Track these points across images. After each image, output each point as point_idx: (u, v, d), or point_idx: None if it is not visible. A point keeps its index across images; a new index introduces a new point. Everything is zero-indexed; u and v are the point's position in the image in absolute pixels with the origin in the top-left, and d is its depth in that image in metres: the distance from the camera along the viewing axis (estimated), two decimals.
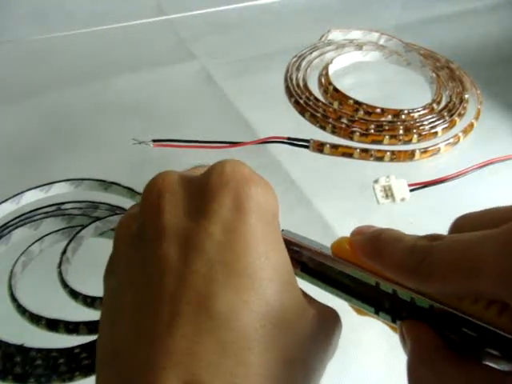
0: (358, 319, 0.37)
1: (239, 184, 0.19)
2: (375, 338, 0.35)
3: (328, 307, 0.21)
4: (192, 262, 0.17)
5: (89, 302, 0.35)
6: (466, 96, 0.59)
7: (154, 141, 0.48)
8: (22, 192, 0.44)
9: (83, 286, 0.36)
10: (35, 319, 0.34)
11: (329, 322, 0.21)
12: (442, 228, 0.45)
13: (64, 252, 0.38)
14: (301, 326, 0.18)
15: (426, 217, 0.45)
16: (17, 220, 0.42)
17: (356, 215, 0.44)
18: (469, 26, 0.76)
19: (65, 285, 0.36)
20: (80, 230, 0.40)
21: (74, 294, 0.36)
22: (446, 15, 0.78)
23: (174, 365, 0.16)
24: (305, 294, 0.21)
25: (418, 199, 0.46)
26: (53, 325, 0.34)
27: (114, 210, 0.42)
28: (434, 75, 0.62)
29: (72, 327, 0.34)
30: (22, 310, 0.35)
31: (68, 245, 0.39)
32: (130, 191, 0.44)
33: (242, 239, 0.18)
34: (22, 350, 0.32)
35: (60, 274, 0.37)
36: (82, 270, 0.38)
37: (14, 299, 0.36)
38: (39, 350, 0.32)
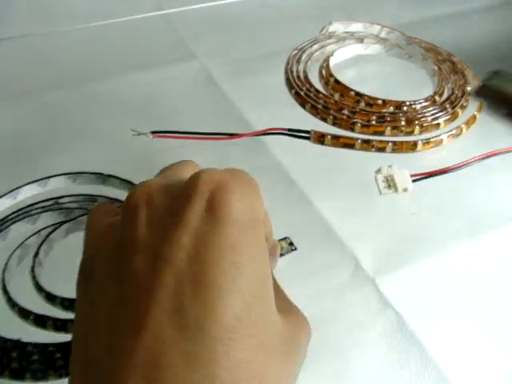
0: (357, 320, 0.37)
1: (213, 192, 0.18)
2: (375, 338, 0.34)
3: (300, 317, 0.22)
4: (161, 276, 0.17)
5: (66, 305, 0.34)
6: (469, 89, 0.58)
7: (153, 132, 0.48)
8: (19, 187, 0.44)
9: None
10: (24, 314, 0.34)
11: (298, 334, 0.21)
12: (444, 219, 0.44)
13: (36, 255, 0.38)
14: (270, 339, 0.18)
15: (428, 207, 0.44)
16: (14, 215, 0.42)
17: (358, 206, 0.44)
18: (468, 25, 0.76)
19: (39, 288, 0.35)
20: (51, 232, 0.39)
21: (50, 298, 0.35)
22: (444, 14, 0.78)
23: (139, 378, 0.16)
24: (283, 300, 0.21)
25: (421, 190, 0.45)
26: (41, 321, 0.33)
27: (113, 202, 0.42)
28: (436, 68, 0.61)
29: (60, 324, 0.33)
30: (12, 304, 0.34)
31: (40, 247, 0.38)
32: (128, 184, 0.43)
33: (212, 249, 0.17)
34: (18, 345, 0.32)
35: (34, 277, 0.36)
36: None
37: (5, 292, 0.35)
38: (36, 345, 0.32)
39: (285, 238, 0.28)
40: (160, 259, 0.18)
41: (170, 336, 0.16)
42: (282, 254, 0.29)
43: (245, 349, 0.17)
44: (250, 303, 0.17)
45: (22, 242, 0.38)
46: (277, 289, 0.21)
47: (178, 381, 0.16)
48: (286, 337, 0.19)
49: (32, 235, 0.39)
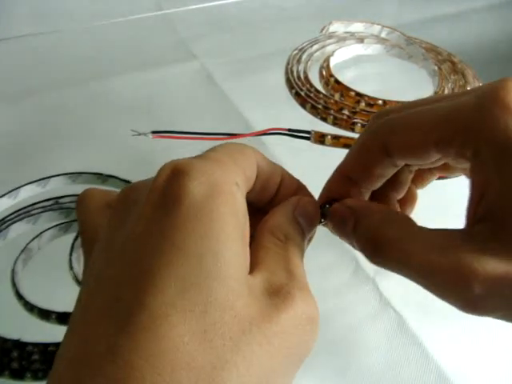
0: (357, 320, 0.37)
1: (167, 179, 0.18)
2: (375, 338, 0.34)
3: (299, 303, 0.18)
4: (110, 267, 0.18)
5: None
6: (469, 89, 0.58)
7: (153, 132, 0.48)
8: (19, 187, 0.44)
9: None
10: (45, 315, 0.34)
11: (286, 321, 0.18)
12: (444, 219, 0.44)
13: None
14: (219, 326, 0.16)
15: (428, 207, 0.44)
16: (14, 215, 0.42)
17: None
18: (467, 25, 0.76)
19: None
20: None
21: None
22: (445, 14, 0.78)
23: (68, 373, 0.16)
24: (281, 277, 0.19)
25: (420, 189, 0.45)
26: (64, 318, 0.34)
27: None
28: (436, 68, 0.61)
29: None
30: (30, 307, 0.34)
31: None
32: (128, 184, 0.43)
33: (156, 235, 0.17)
34: (18, 344, 0.32)
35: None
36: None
37: (20, 297, 0.35)
38: (36, 345, 0.32)
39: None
40: (110, 251, 0.18)
41: (103, 327, 0.16)
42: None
43: (174, 337, 0.15)
44: (187, 288, 0.16)
45: (25, 246, 0.39)
46: (274, 262, 0.20)
47: (99, 373, 0.15)
48: (257, 323, 0.17)
49: (34, 238, 0.39)
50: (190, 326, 0.16)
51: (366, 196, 0.25)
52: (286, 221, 0.21)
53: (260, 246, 0.20)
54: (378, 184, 0.24)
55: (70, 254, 0.38)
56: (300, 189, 0.24)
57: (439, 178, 0.28)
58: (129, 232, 0.18)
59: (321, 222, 0.24)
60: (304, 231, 0.22)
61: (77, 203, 0.23)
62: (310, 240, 0.23)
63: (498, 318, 0.19)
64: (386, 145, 0.22)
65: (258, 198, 0.23)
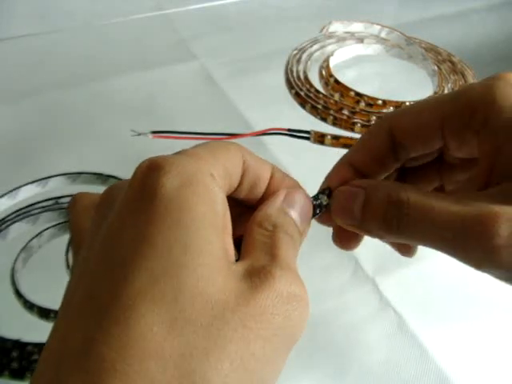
0: (357, 320, 0.37)
1: (143, 176, 0.18)
2: (375, 338, 0.34)
3: (283, 290, 0.18)
4: (88, 263, 0.18)
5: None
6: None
7: (153, 132, 0.48)
8: (19, 187, 0.44)
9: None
10: (44, 313, 0.34)
11: (266, 308, 0.17)
12: None
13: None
14: (191, 314, 0.16)
15: None
16: (14, 215, 0.42)
17: None
18: (467, 25, 0.76)
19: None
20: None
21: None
22: (444, 14, 0.78)
23: (46, 365, 0.16)
24: (264, 261, 0.18)
25: None
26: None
27: None
28: (436, 68, 0.61)
29: None
30: (30, 306, 0.35)
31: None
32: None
33: (129, 228, 0.17)
34: (18, 345, 0.32)
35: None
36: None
37: (19, 296, 0.35)
38: (36, 345, 0.32)
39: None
40: (91, 249, 0.18)
41: (79, 322, 0.16)
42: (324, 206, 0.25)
43: (142, 327, 0.15)
44: (157, 278, 0.16)
45: (26, 245, 0.39)
46: (259, 250, 0.19)
47: (75, 368, 0.15)
48: (232, 307, 0.16)
49: (34, 237, 0.39)
50: (159, 315, 0.16)
51: None
52: (274, 212, 0.21)
53: (249, 239, 0.20)
54: (381, 177, 0.25)
55: (67, 254, 0.38)
56: (292, 185, 0.24)
57: None
58: (106, 229, 0.18)
59: (316, 214, 0.24)
60: (295, 222, 0.22)
61: (69, 205, 0.24)
62: (305, 232, 0.23)
63: (501, 274, 0.19)
64: (391, 128, 0.23)
65: (248, 196, 0.23)
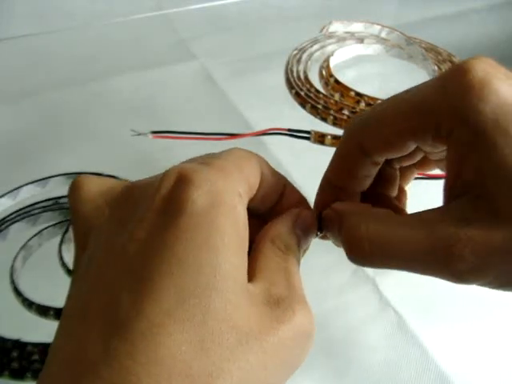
0: (357, 320, 0.37)
1: (172, 186, 0.18)
2: (375, 338, 0.34)
3: (297, 315, 0.19)
4: (109, 268, 0.18)
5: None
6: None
7: (153, 132, 0.48)
8: (19, 187, 0.44)
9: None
10: (43, 311, 0.34)
11: (284, 333, 0.18)
12: None
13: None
14: (215, 335, 0.17)
15: (428, 207, 0.44)
16: (14, 215, 0.42)
17: None
18: (467, 25, 0.76)
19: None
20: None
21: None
22: (444, 14, 0.78)
23: (63, 373, 0.16)
24: (279, 289, 0.19)
25: (421, 190, 0.45)
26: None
27: None
28: (436, 68, 0.61)
29: None
30: (29, 304, 0.35)
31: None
32: (118, 180, 0.43)
33: (158, 242, 0.17)
34: (18, 344, 0.32)
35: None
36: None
37: (18, 294, 0.35)
38: (36, 345, 0.32)
39: None
40: (110, 252, 0.18)
41: (99, 329, 0.16)
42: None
43: (171, 345, 0.16)
44: (185, 298, 0.16)
45: (25, 244, 0.39)
46: (275, 273, 0.20)
47: (95, 376, 0.15)
48: (255, 334, 0.17)
49: (34, 236, 0.39)
50: (187, 335, 0.16)
51: (357, 199, 0.25)
52: (286, 231, 0.22)
53: (260, 253, 0.20)
54: (365, 185, 0.25)
55: (60, 245, 0.38)
56: (301, 201, 0.24)
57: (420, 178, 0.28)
58: (130, 235, 0.18)
59: (316, 235, 0.24)
60: (301, 243, 0.22)
61: (69, 190, 0.23)
62: (305, 251, 0.24)
63: (482, 285, 0.20)
64: (361, 144, 0.23)
65: (259, 206, 0.23)
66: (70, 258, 0.37)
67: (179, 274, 0.17)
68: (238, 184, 0.19)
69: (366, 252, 0.20)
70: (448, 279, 0.19)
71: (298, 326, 0.18)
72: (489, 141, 0.18)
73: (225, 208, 0.18)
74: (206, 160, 0.20)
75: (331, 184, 0.25)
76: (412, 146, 0.22)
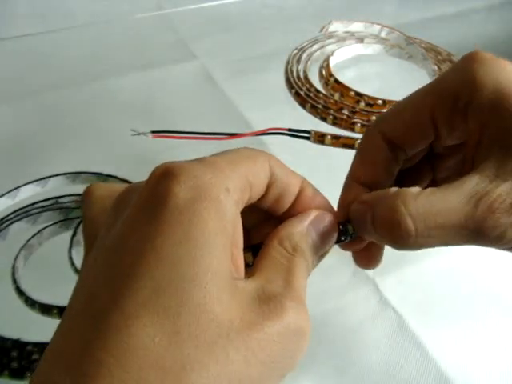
0: (357, 320, 0.37)
1: (156, 182, 0.18)
2: (375, 338, 0.34)
3: (290, 314, 0.18)
4: (94, 265, 0.18)
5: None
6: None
7: (153, 132, 0.48)
8: (19, 187, 0.44)
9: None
10: (46, 310, 0.34)
11: (273, 331, 0.17)
12: None
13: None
14: (194, 328, 0.16)
15: None
16: (14, 215, 0.42)
17: None
18: (467, 25, 0.76)
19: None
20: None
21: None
22: (444, 14, 0.78)
23: (46, 364, 0.16)
24: (274, 285, 0.18)
25: None
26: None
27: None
28: (436, 68, 0.61)
29: None
30: (32, 303, 0.35)
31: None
32: (128, 184, 0.43)
33: (138, 237, 0.17)
34: (18, 344, 0.32)
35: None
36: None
37: (21, 293, 0.35)
38: (36, 344, 0.32)
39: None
40: (99, 250, 0.18)
41: (78, 323, 0.16)
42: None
43: (144, 336, 0.15)
44: (161, 290, 0.16)
45: (26, 243, 0.39)
46: (274, 271, 0.19)
47: (70, 368, 0.15)
48: (237, 328, 0.16)
49: (34, 235, 0.39)
50: (161, 326, 0.16)
51: None
52: (297, 233, 0.21)
53: (265, 253, 0.20)
54: (390, 179, 0.25)
55: (70, 250, 0.38)
56: (322, 203, 0.23)
57: None
58: (115, 233, 0.18)
59: (340, 241, 0.23)
60: (316, 247, 0.21)
61: (82, 197, 0.23)
62: (322, 256, 0.23)
63: None
64: (382, 132, 0.24)
65: (274, 207, 0.22)
66: (79, 261, 0.38)
67: (156, 266, 0.16)
68: (228, 180, 0.19)
69: (410, 230, 0.20)
70: (491, 242, 0.20)
71: (287, 323, 0.18)
72: (511, 101, 0.20)
73: (209, 202, 0.18)
74: (203, 158, 0.20)
75: (356, 181, 0.25)
76: (432, 133, 0.23)
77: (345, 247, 0.25)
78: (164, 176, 0.18)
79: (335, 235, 0.23)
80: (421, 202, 0.20)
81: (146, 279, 0.16)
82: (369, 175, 0.24)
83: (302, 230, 0.21)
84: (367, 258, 0.26)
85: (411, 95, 0.24)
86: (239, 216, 0.19)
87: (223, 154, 0.20)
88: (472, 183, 0.20)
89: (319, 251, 0.22)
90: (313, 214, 0.22)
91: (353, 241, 0.24)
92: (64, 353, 0.16)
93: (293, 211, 0.22)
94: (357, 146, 0.48)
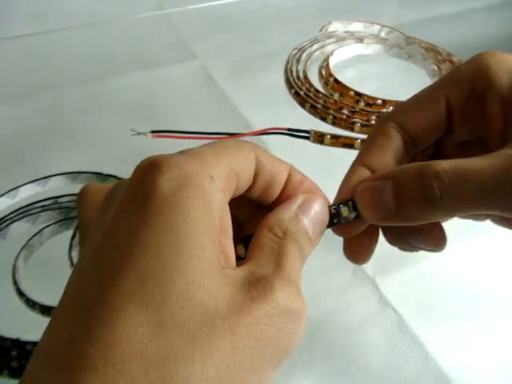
0: (357, 320, 0.37)
1: (143, 173, 0.18)
2: (375, 338, 0.34)
3: (281, 301, 0.17)
4: (82, 261, 0.18)
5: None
6: None
7: (153, 132, 0.48)
8: (19, 186, 0.44)
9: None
10: (47, 310, 0.34)
11: (262, 318, 0.17)
12: None
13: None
14: (178, 317, 0.16)
15: None
16: (13, 214, 0.42)
17: None
18: (467, 25, 0.76)
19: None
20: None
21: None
22: (444, 14, 0.78)
23: (35, 361, 0.16)
24: (265, 270, 0.18)
25: None
26: None
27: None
28: (436, 68, 0.61)
29: None
30: (32, 304, 0.35)
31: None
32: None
33: (122, 230, 0.17)
34: (17, 344, 0.32)
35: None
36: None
37: (21, 294, 0.35)
38: (35, 344, 0.32)
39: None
40: (87, 246, 0.18)
41: (66, 318, 0.16)
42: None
43: (128, 327, 0.15)
44: (145, 280, 0.16)
45: (26, 243, 0.39)
46: (265, 256, 0.19)
47: (57, 363, 0.15)
48: (223, 314, 0.16)
49: (35, 235, 0.39)
50: (145, 316, 0.15)
51: None
52: (286, 218, 0.21)
53: (256, 242, 0.20)
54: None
55: (70, 251, 0.38)
56: (310, 188, 0.23)
57: None
58: (102, 228, 0.18)
59: (332, 224, 0.23)
60: (307, 230, 0.21)
61: (77, 198, 0.24)
62: (318, 237, 0.22)
63: None
64: (398, 122, 0.24)
65: (263, 196, 0.22)
66: None
67: (140, 257, 0.16)
68: (212, 168, 0.19)
69: (447, 186, 0.20)
70: None
71: (277, 303, 0.17)
72: None
73: (192, 190, 0.17)
74: (189, 149, 0.20)
75: (364, 165, 0.24)
76: (445, 121, 0.24)
77: (338, 231, 0.24)
78: (149, 169, 0.18)
79: (327, 218, 0.22)
80: (453, 162, 0.21)
81: (129, 271, 0.16)
82: (377, 161, 0.24)
83: (291, 214, 0.21)
84: (359, 248, 0.25)
85: (427, 87, 0.25)
86: (227, 205, 0.19)
87: (209, 145, 0.20)
88: (506, 153, 0.20)
89: (311, 234, 0.21)
90: (300, 199, 0.22)
91: (347, 224, 0.23)
92: (51, 349, 0.16)
93: (282, 199, 0.22)
94: (356, 145, 0.48)
